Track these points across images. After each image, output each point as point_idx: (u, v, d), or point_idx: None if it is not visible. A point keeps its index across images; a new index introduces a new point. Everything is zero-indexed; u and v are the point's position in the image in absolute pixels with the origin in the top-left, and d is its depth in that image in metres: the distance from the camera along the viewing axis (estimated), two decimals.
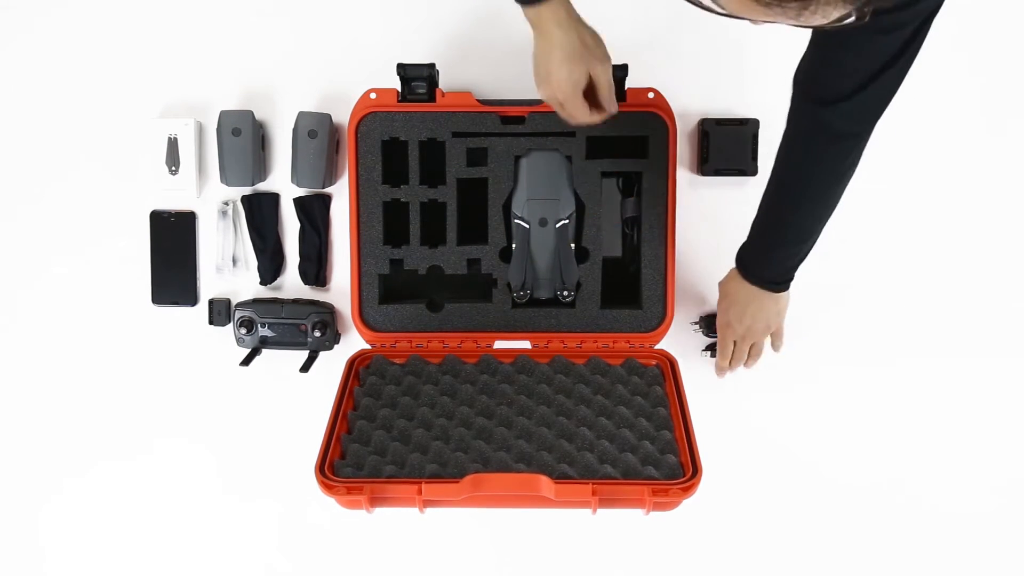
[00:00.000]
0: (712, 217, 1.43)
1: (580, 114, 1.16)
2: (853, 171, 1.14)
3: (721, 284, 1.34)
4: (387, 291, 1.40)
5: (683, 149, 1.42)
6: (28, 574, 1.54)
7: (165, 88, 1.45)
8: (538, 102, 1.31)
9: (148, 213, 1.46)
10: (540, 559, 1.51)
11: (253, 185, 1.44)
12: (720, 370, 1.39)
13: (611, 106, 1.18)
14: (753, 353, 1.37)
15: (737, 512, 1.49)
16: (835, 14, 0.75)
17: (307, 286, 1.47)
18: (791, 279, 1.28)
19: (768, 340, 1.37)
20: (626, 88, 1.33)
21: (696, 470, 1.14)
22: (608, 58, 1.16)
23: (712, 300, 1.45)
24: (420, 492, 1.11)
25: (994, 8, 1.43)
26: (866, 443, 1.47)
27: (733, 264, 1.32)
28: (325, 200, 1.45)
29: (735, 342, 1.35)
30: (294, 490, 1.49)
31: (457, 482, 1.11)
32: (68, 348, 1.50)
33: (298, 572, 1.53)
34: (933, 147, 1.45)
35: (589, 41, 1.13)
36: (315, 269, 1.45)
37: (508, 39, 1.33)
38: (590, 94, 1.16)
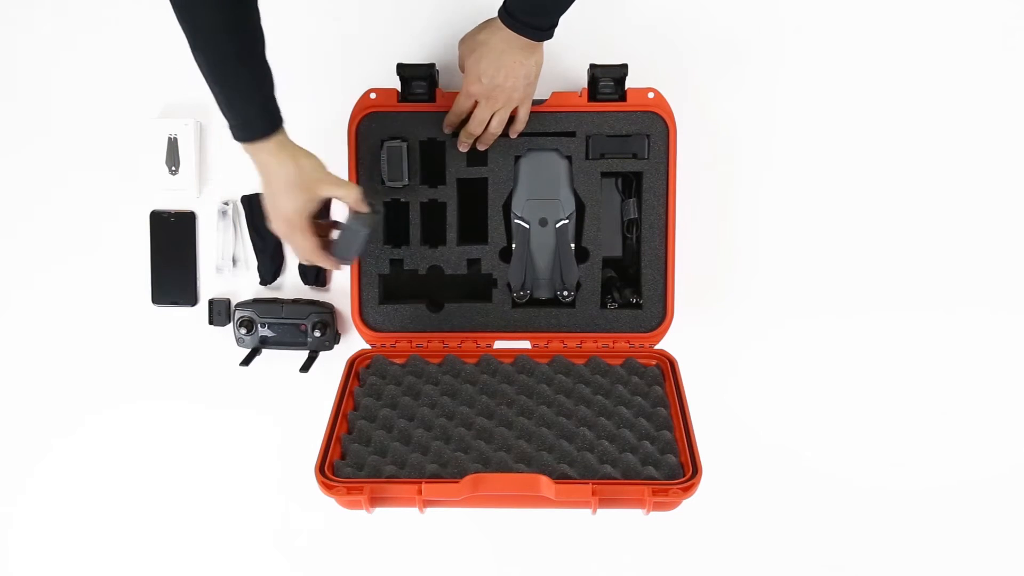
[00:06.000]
0: (712, 216, 1.44)
1: (307, 249, 1.19)
2: None
3: (468, 36, 1.24)
4: (387, 291, 1.40)
5: (683, 148, 1.42)
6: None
7: (165, 88, 1.45)
8: (539, 102, 1.32)
9: (148, 213, 1.46)
10: (540, 559, 1.52)
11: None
12: (449, 125, 1.30)
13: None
14: (495, 124, 1.27)
15: (737, 512, 1.49)
16: None
17: (307, 286, 1.47)
18: (555, 24, 1.18)
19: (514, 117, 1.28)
20: (626, 88, 1.33)
21: (696, 470, 1.14)
22: (331, 178, 1.18)
23: (711, 300, 1.45)
24: (420, 492, 1.11)
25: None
26: (866, 444, 1.47)
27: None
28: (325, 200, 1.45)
29: (476, 102, 1.25)
30: (294, 490, 1.49)
31: (457, 482, 1.11)
32: (68, 348, 1.50)
33: (298, 572, 1.53)
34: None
35: (306, 166, 1.16)
36: (315, 269, 1.45)
37: None
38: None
